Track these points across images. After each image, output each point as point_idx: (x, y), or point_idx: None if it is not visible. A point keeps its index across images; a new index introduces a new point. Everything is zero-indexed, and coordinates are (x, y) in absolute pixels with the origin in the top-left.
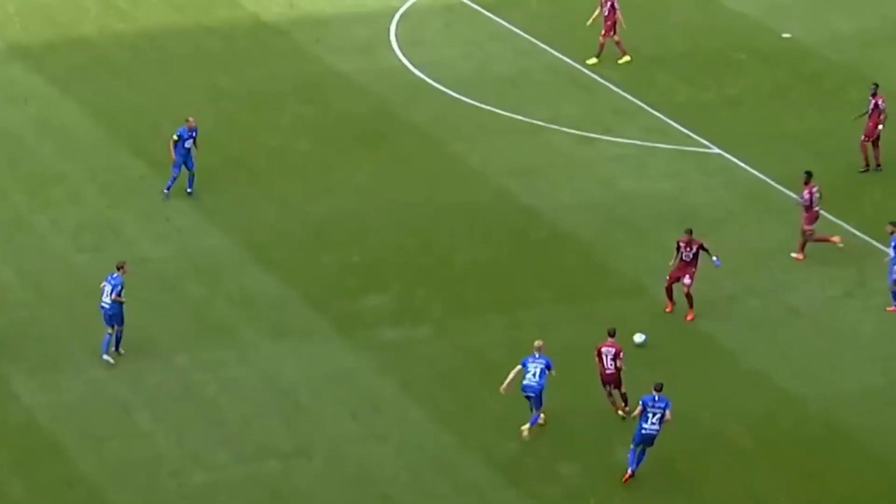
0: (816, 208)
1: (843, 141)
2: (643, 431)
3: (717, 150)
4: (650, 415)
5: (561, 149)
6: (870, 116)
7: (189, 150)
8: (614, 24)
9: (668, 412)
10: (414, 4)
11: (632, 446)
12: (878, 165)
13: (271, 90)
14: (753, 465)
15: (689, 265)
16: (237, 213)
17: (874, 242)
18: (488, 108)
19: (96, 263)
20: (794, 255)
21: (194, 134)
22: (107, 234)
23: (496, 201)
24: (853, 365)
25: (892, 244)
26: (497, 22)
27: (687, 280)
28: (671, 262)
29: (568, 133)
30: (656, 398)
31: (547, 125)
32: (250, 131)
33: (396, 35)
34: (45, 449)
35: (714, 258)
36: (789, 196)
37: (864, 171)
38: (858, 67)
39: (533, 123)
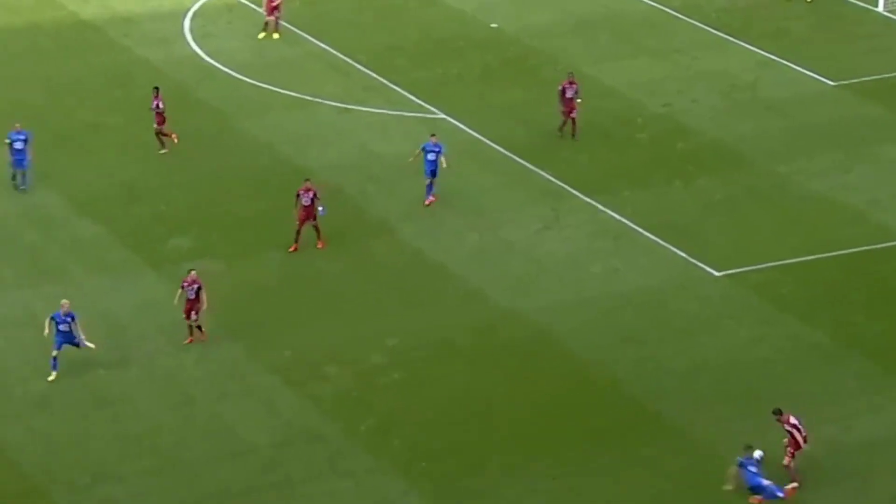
0: None
1: (539, 109)
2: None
3: (442, 116)
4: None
5: (325, 119)
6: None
7: (21, 150)
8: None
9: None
10: (204, 4)
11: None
12: (574, 136)
13: (90, 77)
14: (475, 368)
15: (308, 208)
16: (64, 176)
17: (564, 186)
18: (266, 86)
19: None
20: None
21: (23, 137)
22: None
23: (274, 164)
24: (553, 284)
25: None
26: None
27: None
28: (294, 211)
29: (330, 105)
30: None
31: (313, 99)
32: (74, 111)
33: (190, 29)
34: None
35: (320, 208)
36: (500, 151)
37: (560, 134)
38: (549, 52)
39: (302, 98)
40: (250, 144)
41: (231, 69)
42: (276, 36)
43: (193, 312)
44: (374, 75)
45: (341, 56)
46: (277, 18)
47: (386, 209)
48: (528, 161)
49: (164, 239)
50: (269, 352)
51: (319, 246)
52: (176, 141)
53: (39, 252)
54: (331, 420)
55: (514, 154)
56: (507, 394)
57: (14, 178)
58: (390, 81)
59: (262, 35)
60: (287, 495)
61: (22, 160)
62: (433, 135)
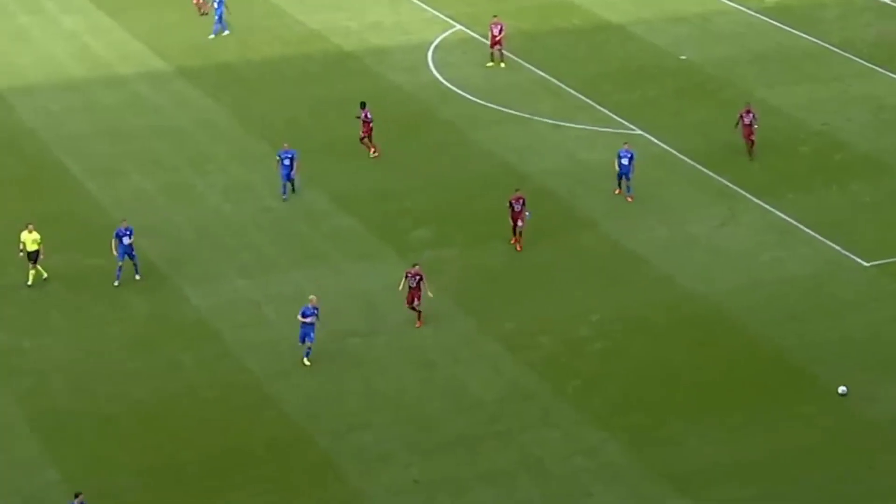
0: None
1: (718, 125)
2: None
3: (639, 132)
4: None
5: (541, 133)
6: (743, 125)
7: (289, 166)
8: (500, 41)
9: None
10: (444, 38)
11: None
12: (751, 156)
13: (350, 97)
14: (666, 340)
15: (518, 213)
16: (329, 179)
17: (739, 189)
18: (494, 106)
19: (238, 212)
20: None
21: (290, 154)
22: (244, 192)
23: (500, 169)
24: (728, 271)
25: None
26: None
27: (520, 223)
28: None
29: (544, 122)
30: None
31: (531, 117)
32: (336, 126)
33: (433, 59)
34: (205, 334)
35: (527, 212)
36: (687, 162)
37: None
38: (728, 78)
39: (523, 116)
40: (480, 153)
41: (465, 92)
42: (502, 65)
43: (416, 300)
44: (583, 97)
45: (556, 81)
46: (500, 50)
47: (591, 207)
48: (709, 168)
49: (408, 231)
50: (495, 324)
51: (518, 248)
52: (375, 154)
53: (307, 240)
54: (543, 381)
55: (698, 163)
56: (689, 361)
57: (284, 189)
58: (596, 102)
59: (490, 64)
60: (507, 442)
61: (288, 174)
62: (626, 142)
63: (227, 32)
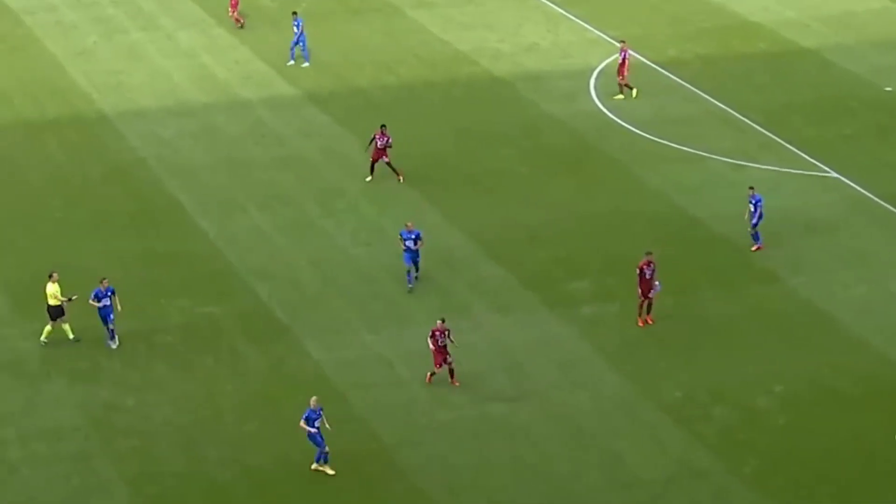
0: None
1: None
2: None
3: (835, 175)
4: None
5: (717, 173)
6: None
7: (412, 248)
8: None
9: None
10: (609, 63)
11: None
12: None
13: (499, 127)
14: (861, 414)
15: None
16: (472, 219)
17: None
18: (663, 141)
19: (369, 256)
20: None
21: (414, 236)
22: (376, 233)
23: (669, 212)
24: None
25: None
26: (669, 77)
27: (651, 293)
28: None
29: (722, 161)
30: (409, 231)
31: (707, 155)
32: (484, 159)
33: (595, 87)
34: (329, 393)
35: (657, 283)
36: (889, 209)
37: None
38: None
39: (696, 154)
40: (647, 194)
41: (631, 125)
42: (620, 97)
43: (447, 358)
44: (768, 133)
45: (737, 114)
46: (621, 81)
47: (774, 259)
48: None
49: (563, 281)
50: (660, 391)
51: (649, 322)
52: (401, 180)
53: (446, 290)
54: (716, 458)
55: None
56: (888, 439)
57: (410, 276)
58: (784, 139)
59: (619, 96)
60: None
61: (413, 257)
62: (751, 188)
63: (305, 64)
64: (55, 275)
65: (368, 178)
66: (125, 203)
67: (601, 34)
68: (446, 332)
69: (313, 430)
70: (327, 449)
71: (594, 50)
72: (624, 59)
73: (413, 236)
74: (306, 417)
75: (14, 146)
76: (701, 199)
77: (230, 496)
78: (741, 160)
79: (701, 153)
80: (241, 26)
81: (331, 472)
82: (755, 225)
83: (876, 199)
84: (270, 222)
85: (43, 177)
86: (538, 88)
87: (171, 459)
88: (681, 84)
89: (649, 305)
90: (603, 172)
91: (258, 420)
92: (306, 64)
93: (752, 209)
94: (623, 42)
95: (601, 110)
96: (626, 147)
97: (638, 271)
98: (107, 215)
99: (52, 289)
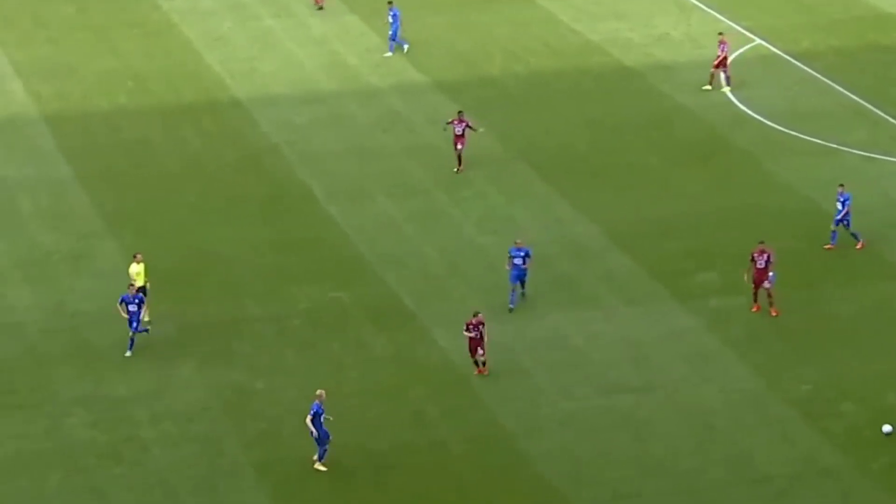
0: None
1: None
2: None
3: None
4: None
5: (850, 166)
6: None
7: (521, 266)
8: (724, 59)
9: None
10: (740, 55)
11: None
12: None
13: (630, 119)
14: None
15: (762, 271)
16: (601, 210)
17: None
18: (795, 134)
19: (495, 245)
20: None
21: (523, 253)
22: (503, 222)
23: (800, 206)
24: None
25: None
26: (802, 69)
27: (766, 284)
28: (748, 274)
29: (855, 154)
30: (519, 248)
31: (839, 147)
32: (614, 151)
33: (727, 78)
34: (456, 382)
35: (771, 273)
36: None
37: None
38: None
39: (829, 146)
40: (779, 187)
41: (764, 116)
42: (723, 90)
43: (479, 350)
44: None
45: (872, 107)
46: (725, 73)
47: None
48: None
49: (691, 273)
50: (789, 386)
51: (773, 314)
52: (460, 170)
53: (573, 281)
54: (845, 455)
55: None
56: None
57: (513, 296)
58: None
59: (706, 87)
60: None
61: (521, 275)
62: (841, 185)
63: (406, 46)
64: (139, 255)
65: (457, 169)
66: (257, 189)
67: (733, 24)
68: (480, 326)
69: (318, 431)
70: (327, 447)
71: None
72: (723, 52)
73: (522, 254)
74: (315, 413)
75: (151, 131)
76: (832, 193)
77: (354, 481)
78: (875, 153)
79: (833, 146)
80: (321, 8)
81: (322, 468)
82: (838, 223)
83: None
84: (398, 210)
85: (179, 162)
86: (669, 79)
87: (297, 444)
88: (814, 76)
89: (770, 297)
90: (734, 165)
91: (383, 406)
92: (406, 46)
93: (840, 207)
94: (721, 34)
95: (732, 102)
96: (757, 139)
97: (750, 259)
98: (239, 201)
99: (137, 268)
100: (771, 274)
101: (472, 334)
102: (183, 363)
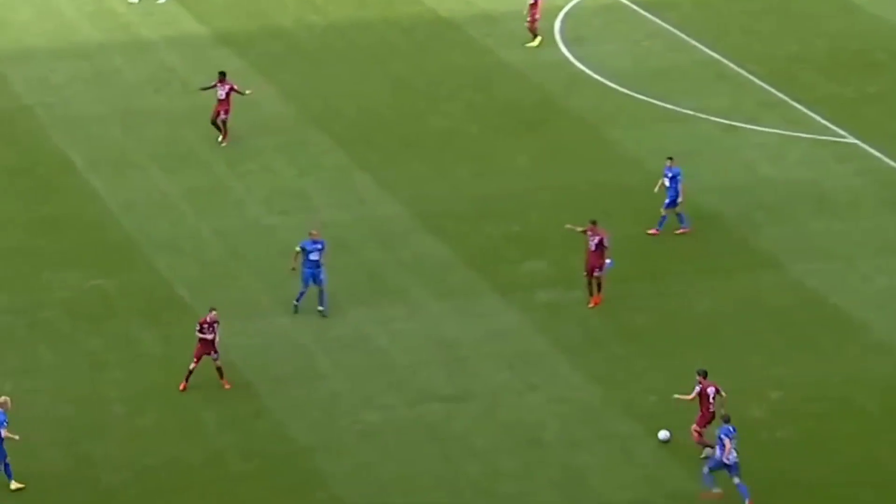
0: None
1: None
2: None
3: (853, 141)
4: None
5: (707, 136)
6: None
7: (316, 262)
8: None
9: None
10: (577, 4)
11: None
12: None
13: (444, 79)
14: (879, 431)
15: (596, 255)
16: (410, 187)
17: None
18: (643, 98)
19: (285, 227)
20: None
21: (319, 246)
22: (294, 200)
23: (647, 182)
24: None
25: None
26: (653, 21)
27: (597, 272)
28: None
29: (714, 122)
30: (315, 241)
31: (695, 114)
32: (424, 115)
33: (561, 31)
34: (237, 386)
35: (608, 260)
36: None
37: None
38: None
39: (683, 113)
40: (621, 160)
41: (603, 77)
42: (536, 42)
43: (208, 354)
44: (772, 90)
45: (734, 66)
46: (531, 25)
47: (776, 241)
48: None
49: (516, 262)
50: (632, 396)
51: (591, 305)
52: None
53: (377, 270)
54: (694, 479)
55: None
56: None
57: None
58: (791, 98)
59: (531, 44)
60: None
61: (314, 273)
62: (670, 158)
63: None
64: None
65: (221, 140)
66: (6, 159)
67: None
68: (215, 325)
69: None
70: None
71: None
72: (536, 1)
73: (319, 247)
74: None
75: None
76: (687, 168)
77: (118, 502)
78: (737, 121)
79: (688, 112)
80: None
81: (19, 485)
82: (668, 205)
83: None
84: (172, 184)
85: None
86: (493, 32)
87: (52, 457)
88: (667, 29)
89: (598, 285)
90: (569, 134)
91: (153, 414)
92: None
93: (667, 184)
94: None
95: (568, 59)
96: (597, 104)
97: (584, 234)
98: None
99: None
100: (608, 261)
101: (208, 336)
102: None
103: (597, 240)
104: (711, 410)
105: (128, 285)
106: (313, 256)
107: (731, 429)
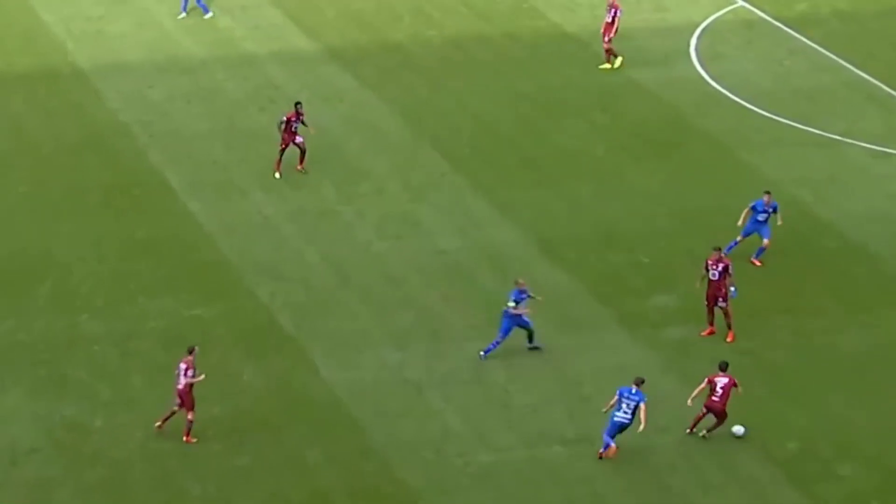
0: None
1: None
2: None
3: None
4: (623, 405)
5: (855, 162)
6: None
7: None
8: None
9: (642, 405)
10: (715, 20)
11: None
12: None
13: (569, 97)
14: None
15: (717, 284)
16: (530, 210)
17: None
18: (784, 120)
19: (396, 252)
20: None
21: (525, 297)
22: (407, 225)
23: (787, 210)
24: None
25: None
26: (797, 38)
27: (721, 302)
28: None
29: (863, 147)
30: (633, 391)
31: (842, 139)
32: (547, 134)
33: (697, 48)
34: (342, 422)
35: (732, 288)
36: None
37: None
38: None
39: (828, 137)
40: (759, 184)
41: (741, 97)
42: (618, 62)
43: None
44: None
45: (886, 88)
46: (606, 46)
47: None
48: None
49: (644, 294)
50: (770, 440)
51: (729, 339)
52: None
53: (492, 298)
54: None
55: None
56: None
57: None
58: None
59: (604, 66)
60: None
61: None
62: (767, 192)
63: (209, 14)
64: None
65: (277, 175)
66: (102, 177)
67: None
68: (722, 267)
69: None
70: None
71: (699, 1)
72: (613, 19)
73: (525, 297)
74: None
75: None
76: (831, 196)
77: None
78: (889, 147)
79: (834, 137)
80: None
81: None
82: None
83: None
84: (276, 207)
85: (8, 142)
86: (622, 49)
87: (141, 494)
88: (811, 47)
89: (727, 318)
90: (703, 157)
91: (252, 452)
92: (209, 14)
93: (762, 220)
94: None
95: (703, 78)
96: (734, 126)
97: (703, 268)
98: (80, 191)
99: None
100: (733, 289)
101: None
102: (6, 392)
103: (720, 267)
104: (714, 399)
105: (227, 314)
106: (512, 309)
107: (633, 391)
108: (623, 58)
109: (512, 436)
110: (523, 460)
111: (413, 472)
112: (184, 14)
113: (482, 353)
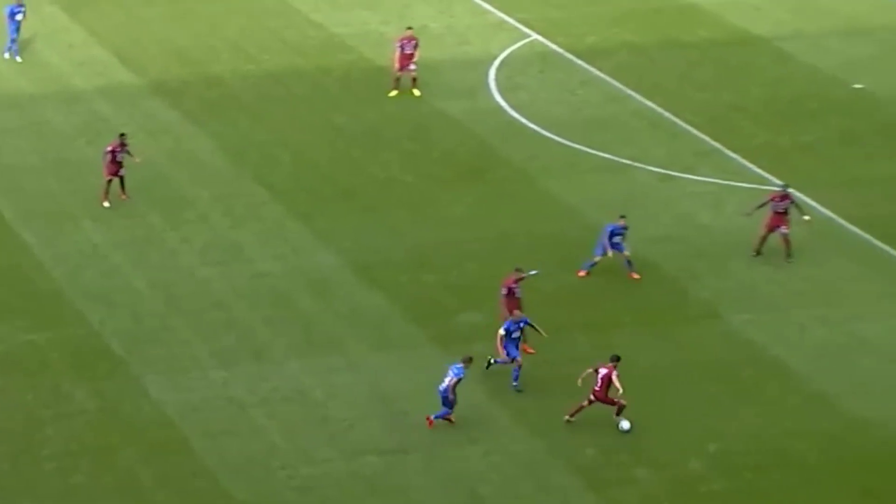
0: None
1: None
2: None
3: (788, 189)
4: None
5: (645, 186)
6: None
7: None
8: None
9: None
10: (511, 53)
11: None
12: None
13: (381, 128)
14: (817, 483)
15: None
16: (348, 237)
17: None
18: (579, 147)
19: (220, 277)
20: None
21: (522, 325)
22: (230, 251)
23: (584, 232)
24: None
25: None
26: (588, 70)
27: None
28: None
29: (651, 171)
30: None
31: (632, 163)
32: (363, 165)
33: (496, 80)
34: (173, 442)
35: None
36: (858, 234)
37: None
38: None
39: (619, 162)
40: (557, 210)
41: (539, 126)
42: (415, 93)
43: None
44: (709, 140)
45: (671, 116)
46: (412, 75)
47: (714, 292)
48: (890, 244)
49: (453, 313)
50: (572, 449)
51: (529, 351)
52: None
53: (313, 321)
54: None
55: (874, 235)
56: None
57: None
58: (727, 147)
59: (394, 93)
60: None
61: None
62: (622, 216)
63: (18, 59)
64: None
65: (106, 204)
66: None
67: (505, 17)
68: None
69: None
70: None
71: (496, 36)
72: (402, 50)
73: (521, 325)
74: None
75: None
76: (624, 218)
77: None
78: (674, 171)
79: (625, 161)
80: None
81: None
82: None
83: (841, 220)
84: (105, 236)
85: None
86: (428, 81)
87: None
88: (602, 78)
89: (522, 336)
90: (505, 184)
91: (86, 473)
92: (17, 59)
93: (619, 241)
94: (409, 29)
95: (504, 108)
96: (534, 153)
97: (505, 291)
98: None
99: None
100: (533, 271)
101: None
102: None
103: (506, 290)
104: (595, 389)
105: (60, 339)
106: (516, 335)
107: (459, 368)
108: (399, 91)
109: (332, 449)
110: (343, 472)
111: (241, 488)
112: (8, 56)
113: (514, 382)
